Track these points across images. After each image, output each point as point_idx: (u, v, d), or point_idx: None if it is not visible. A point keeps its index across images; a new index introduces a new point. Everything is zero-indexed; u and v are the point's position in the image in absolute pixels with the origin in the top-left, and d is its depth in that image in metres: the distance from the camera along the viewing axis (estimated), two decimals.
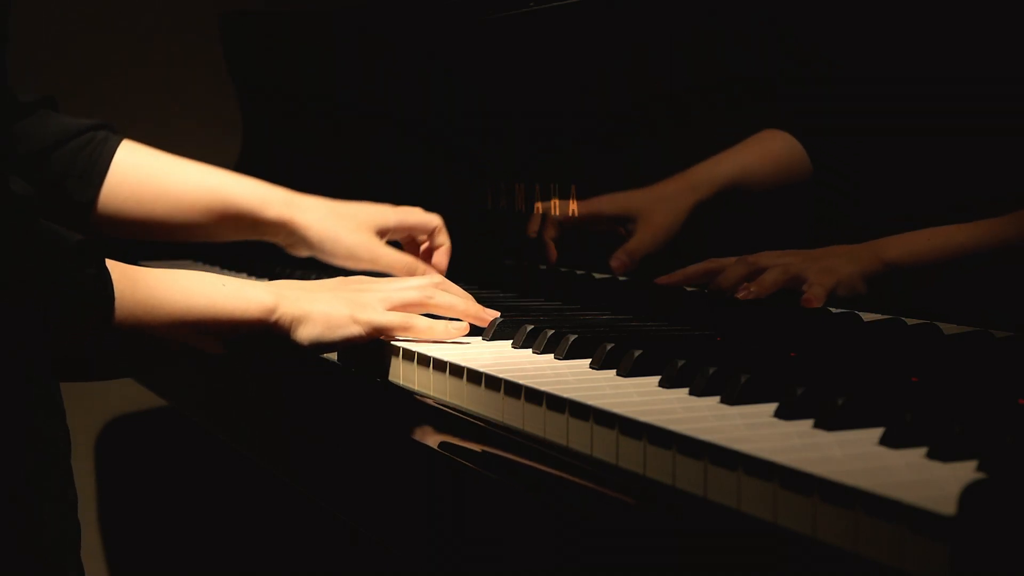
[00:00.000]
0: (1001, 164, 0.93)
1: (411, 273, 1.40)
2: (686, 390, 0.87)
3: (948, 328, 0.97)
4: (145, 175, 1.43)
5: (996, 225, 0.93)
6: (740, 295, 1.11)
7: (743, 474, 0.69)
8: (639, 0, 1.29)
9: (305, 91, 2.03)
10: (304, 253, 1.47)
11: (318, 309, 1.07)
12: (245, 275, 1.62)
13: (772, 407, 0.80)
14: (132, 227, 1.44)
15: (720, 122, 1.20)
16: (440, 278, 1.18)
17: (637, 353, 0.94)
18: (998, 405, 0.80)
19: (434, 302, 1.13)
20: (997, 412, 0.78)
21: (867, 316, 1.04)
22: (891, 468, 0.66)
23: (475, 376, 0.97)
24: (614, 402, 0.83)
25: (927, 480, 0.64)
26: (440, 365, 1.02)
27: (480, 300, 1.20)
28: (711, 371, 0.86)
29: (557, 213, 1.39)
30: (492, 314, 1.15)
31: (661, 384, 0.89)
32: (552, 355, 1.03)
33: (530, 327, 1.09)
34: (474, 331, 1.14)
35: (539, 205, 1.42)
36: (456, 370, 0.99)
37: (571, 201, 1.38)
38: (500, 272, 1.51)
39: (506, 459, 0.88)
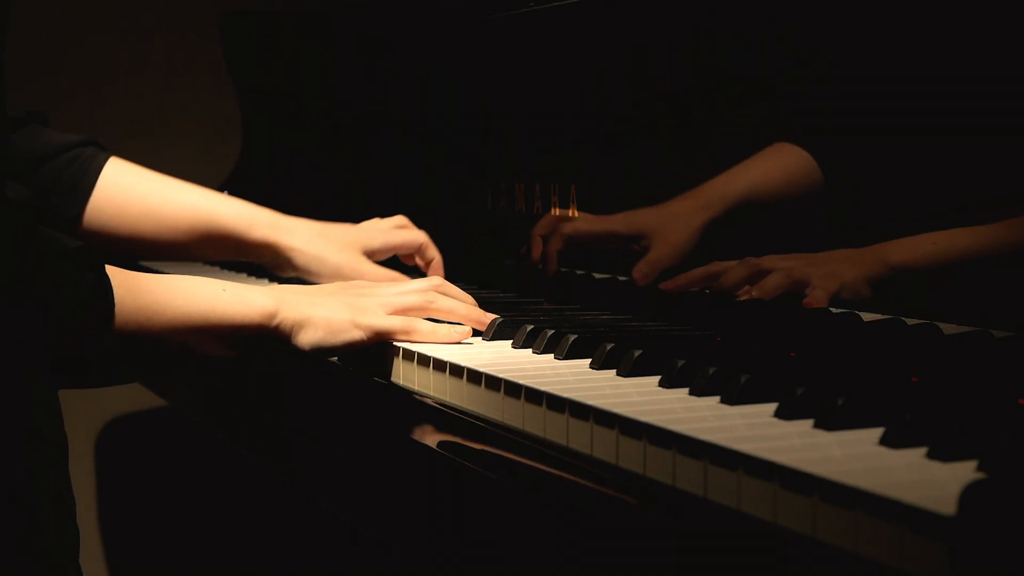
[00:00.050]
0: (1006, 165, 0.93)
1: None
2: (686, 390, 0.87)
3: (948, 328, 0.97)
4: (131, 193, 1.42)
5: (1002, 228, 0.93)
6: (742, 298, 1.11)
7: (743, 474, 0.69)
8: (639, 0, 1.29)
9: (305, 91, 2.03)
10: (290, 274, 1.46)
11: (319, 314, 1.07)
12: (245, 275, 1.62)
13: (772, 407, 0.80)
14: (117, 244, 1.43)
15: (720, 122, 1.20)
16: (440, 280, 1.18)
17: (637, 353, 0.94)
18: (998, 405, 0.80)
19: (435, 306, 1.13)
20: (997, 412, 0.78)
21: (867, 316, 1.04)
22: (891, 468, 0.66)
23: (475, 376, 0.97)
24: (614, 402, 0.83)
25: (927, 480, 0.64)
26: (440, 365, 1.02)
27: (480, 300, 1.20)
28: (711, 371, 0.86)
29: (557, 213, 1.39)
30: (492, 318, 1.15)
31: (661, 384, 0.89)
32: (552, 355, 1.03)
33: (530, 327, 1.09)
34: (474, 331, 1.14)
35: (539, 205, 1.42)
36: (456, 370, 0.99)
37: (571, 202, 1.38)
38: (500, 272, 1.51)
39: (506, 459, 0.88)
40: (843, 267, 1.05)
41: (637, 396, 0.86)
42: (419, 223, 1.53)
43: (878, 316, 1.03)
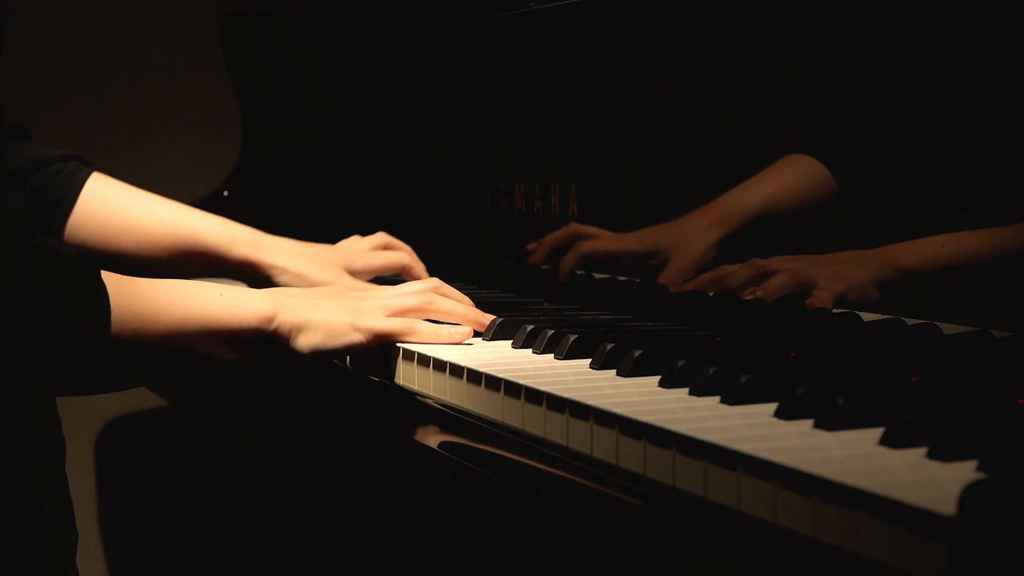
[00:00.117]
0: (1016, 167, 0.93)
1: None
2: (686, 390, 0.87)
3: (948, 328, 0.97)
4: (113, 209, 1.42)
5: (1010, 231, 0.93)
6: (747, 298, 1.11)
7: (743, 474, 0.69)
8: (639, 0, 1.29)
9: (305, 91, 2.03)
10: None
11: (318, 317, 1.07)
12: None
13: (772, 407, 0.80)
14: (97, 260, 1.43)
15: (720, 122, 1.20)
16: (438, 282, 1.17)
17: (637, 353, 0.94)
18: (998, 405, 0.80)
19: (434, 307, 1.13)
20: (997, 412, 0.78)
21: (867, 316, 1.04)
22: (891, 468, 0.66)
23: (475, 376, 0.97)
24: (614, 402, 0.83)
25: (927, 480, 0.64)
26: (440, 365, 1.02)
27: (480, 300, 1.20)
28: (711, 371, 0.86)
29: (557, 213, 1.39)
30: (491, 319, 1.15)
31: (661, 384, 0.89)
32: (552, 355, 1.03)
33: (530, 327, 1.09)
34: (474, 331, 1.14)
35: (539, 205, 1.42)
36: (456, 370, 0.99)
37: (571, 202, 1.38)
38: (500, 272, 1.51)
39: (506, 459, 0.88)
40: (850, 269, 1.04)
41: (637, 396, 0.86)
42: (419, 223, 1.53)
43: (878, 316, 1.03)
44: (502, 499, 0.86)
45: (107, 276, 0.97)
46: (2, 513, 0.89)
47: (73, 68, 2.26)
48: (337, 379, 1.15)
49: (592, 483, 0.79)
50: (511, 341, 1.10)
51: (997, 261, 0.94)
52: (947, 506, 0.58)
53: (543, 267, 1.42)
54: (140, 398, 2.16)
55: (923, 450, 0.69)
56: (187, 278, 1.49)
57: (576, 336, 1.03)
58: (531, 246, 1.42)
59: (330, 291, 1.15)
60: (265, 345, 1.06)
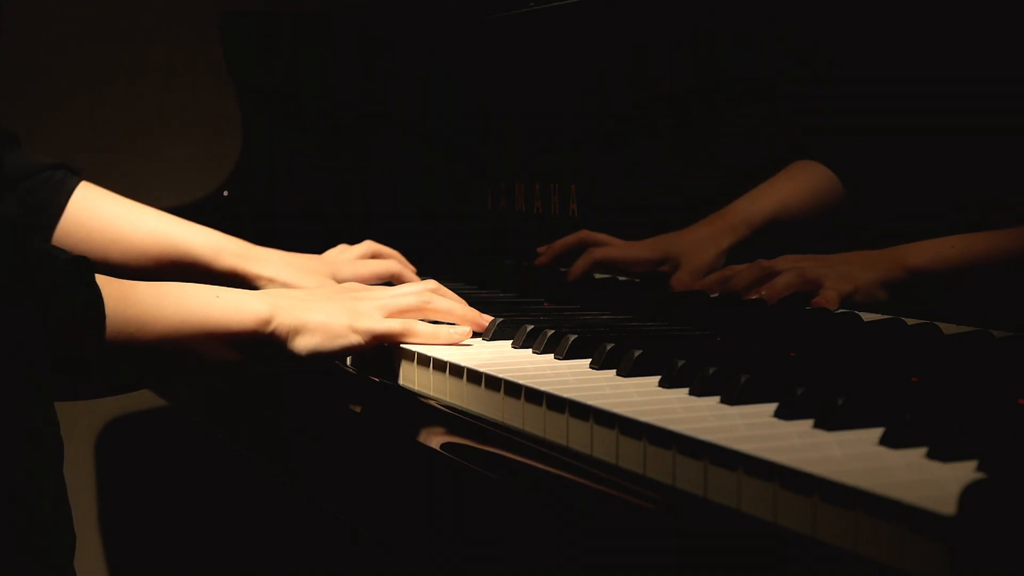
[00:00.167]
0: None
1: None
2: (686, 390, 0.87)
3: (948, 328, 0.97)
4: (100, 218, 1.41)
5: (1019, 231, 0.93)
6: (752, 298, 1.11)
7: (743, 474, 0.69)
8: (639, 0, 1.29)
9: (305, 91, 2.03)
10: None
11: (316, 319, 1.06)
12: None
13: (772, 407, 0.80)
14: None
15: (720, 122, 1.20)
16: (435, 284, 1.17)
17: (637, 353, 0.94)
18: (998, 405, 0.80)
19: (432, 307, 1.13)
20: (997, 412, 0.78)
21: (867, 316, 1.04)
22: (891, 468, 0.66)
23: (475, 376, 0.97)
24: (614, 402, 0.83)
25: (927, 480, 0.64)
26: (440, 365, 1.02)
27: (480, 300, 1.20)
28: (711, 371, 0.86)
29: (557, 213, 1.39)
30: (489, 319, 1.15)
31: (661, 384, 0.89)
32: (552, 355, 1.03)
33: (530, 327, 1.08)
34: (473, 332, 1.14)
35: (539, 205, 1.42)
36: (456, 370, 0.99)
37: (571, 202, 1.38)
38: (500, 272, 1.51)
39: (506, 459, 0.88)
40: (857, 269, 1.04)
41: (637, 396, 0.86)
42: (419, 223, 1.53)
43: (878, 316, 1.03)
44: (502, 499, 0.86)
45: (102, 280, 0.96)
46: (2, 513, 0.89)
47: (73, 68, 2.26)
48: (337, 379, 1.15)
49: (592, 483, 0.79)
50: (511, 341, 1.10)
51: (1006, 262, 0.94)
52: (947, 506, 0.58)
53: (536, 262, 1.42)
54: (140, 398, 2.16)
55: (923, 450, 0.69)
56: None
57: (576, 336, 1.03)
58: (541, 249, 1.42)
59: (328, 292, 1.14)
60: (263, 347, 1.05)
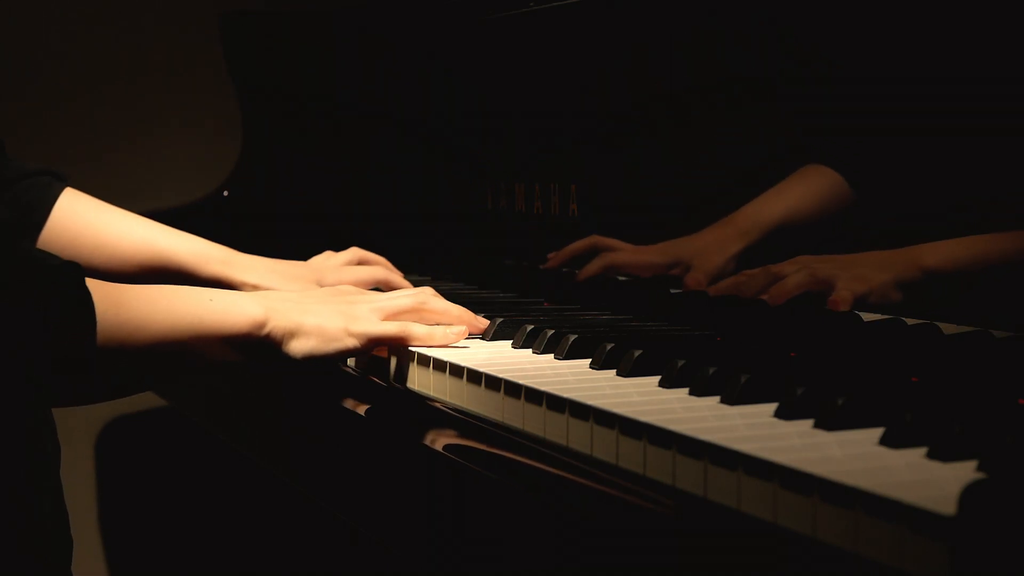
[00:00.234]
0: None
1: None
2: (686, 390, 0.87)
3: (948, 328, 0.97)
4: (84, 225, 1.41)
5: None
6: (764, 298, 1.11)
7: (743, 474, 0.69)
8: (639, 0, 1.29)
9: (305, 91, 2.03)
10: None
11: (311, 322, 1.06)
12: None
13: (772, 407, 0.80)
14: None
15: (720, 122, 1.20)
16: (431, 290, 1.17)
17: (637, 353, 0.94)
18: (998, 405, 0.80)
19: (428, 307, 1.12)
20: (997, 412, 0.78)
21: (867, 316, 1.04)
22: (891, 468, 0.66)
23: (475, 376, 0.97)
24: (614, 402, 0.83)
25: (927, 480, 0.64)
26: (440, 365, 1.02)
27: (480, 300, 1.20)
28: (711, 371, 0.86)
29: (557, 213, 1.39)
30: (485, 322, 1.14)
31: (661, 384, 0.89)
32: (552, 355, 1.03)
33: (530, 327, 1.08)
34: (472, 333, 1.14)
35: (539, 205, 1.42)
36: (456, 370, 0.99)
37: (571, 202, 1.38)
38: (500, 272, 1.51)
39: (506, 459, 0.88)
40: (871, 271, 1.04)
41: (637, 396, 0.86)
42: (419, 223, 1.53)
43: (878, 316, 1.03)
44: (502, 499, 0.86)
45: (93, 284, 0.94)
46: (2, 513, 0.89)
47: (73, 68, 2.26)
48: (337, 379, 1.15)
49: (592, 483, 0.79)
50: (511, 341, 1.10)
51: (1013, 263, 0.93)
52: (947, 506, 0.58)
53: (541, 267, 1.42)
54: (140, 398, 2.16)
55: (923, 450, 0.69)
56: None
57: (576, 336, 1.03)
58: (551, 255, 1.42)
59: (322, 295, 1.13)
60: (258, 349, 1.04)
